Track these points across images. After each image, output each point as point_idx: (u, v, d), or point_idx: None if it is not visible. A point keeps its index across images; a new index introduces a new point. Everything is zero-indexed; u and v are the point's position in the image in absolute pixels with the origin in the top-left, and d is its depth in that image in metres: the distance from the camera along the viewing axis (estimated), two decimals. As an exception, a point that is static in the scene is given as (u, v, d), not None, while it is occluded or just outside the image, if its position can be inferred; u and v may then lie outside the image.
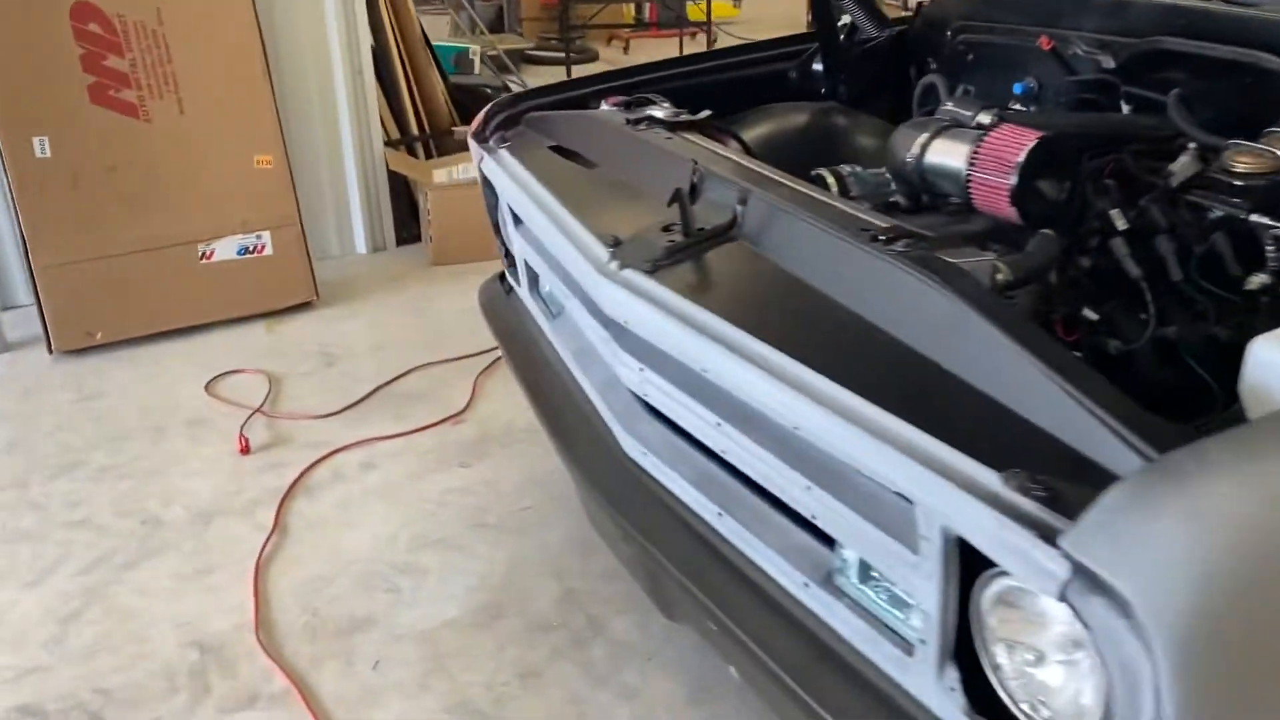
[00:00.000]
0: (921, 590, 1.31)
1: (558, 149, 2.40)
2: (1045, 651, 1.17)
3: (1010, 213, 1.72)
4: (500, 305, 2.71)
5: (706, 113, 2.32)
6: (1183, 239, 1.73)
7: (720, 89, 2.65)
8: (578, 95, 2.67)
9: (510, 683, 2.22)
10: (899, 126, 2.00)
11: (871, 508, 1.38)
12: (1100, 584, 1.01)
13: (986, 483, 1.15)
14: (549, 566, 2.58)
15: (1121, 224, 1.73)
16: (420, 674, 2.25)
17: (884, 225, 1.58)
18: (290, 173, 4.16)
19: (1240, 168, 1.71)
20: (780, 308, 1.62)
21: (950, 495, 1.18)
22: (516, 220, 2.42)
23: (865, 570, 1.48)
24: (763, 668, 1.53)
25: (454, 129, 5.18)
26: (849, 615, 1.47)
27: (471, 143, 2.66)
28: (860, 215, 1.68)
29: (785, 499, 1.55)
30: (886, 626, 1.43)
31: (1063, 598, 1.05)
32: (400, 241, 4.96)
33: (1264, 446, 1.09)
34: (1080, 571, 1.03)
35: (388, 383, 3.52)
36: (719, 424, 1.64)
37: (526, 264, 2.44)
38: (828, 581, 1.52)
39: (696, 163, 1.94)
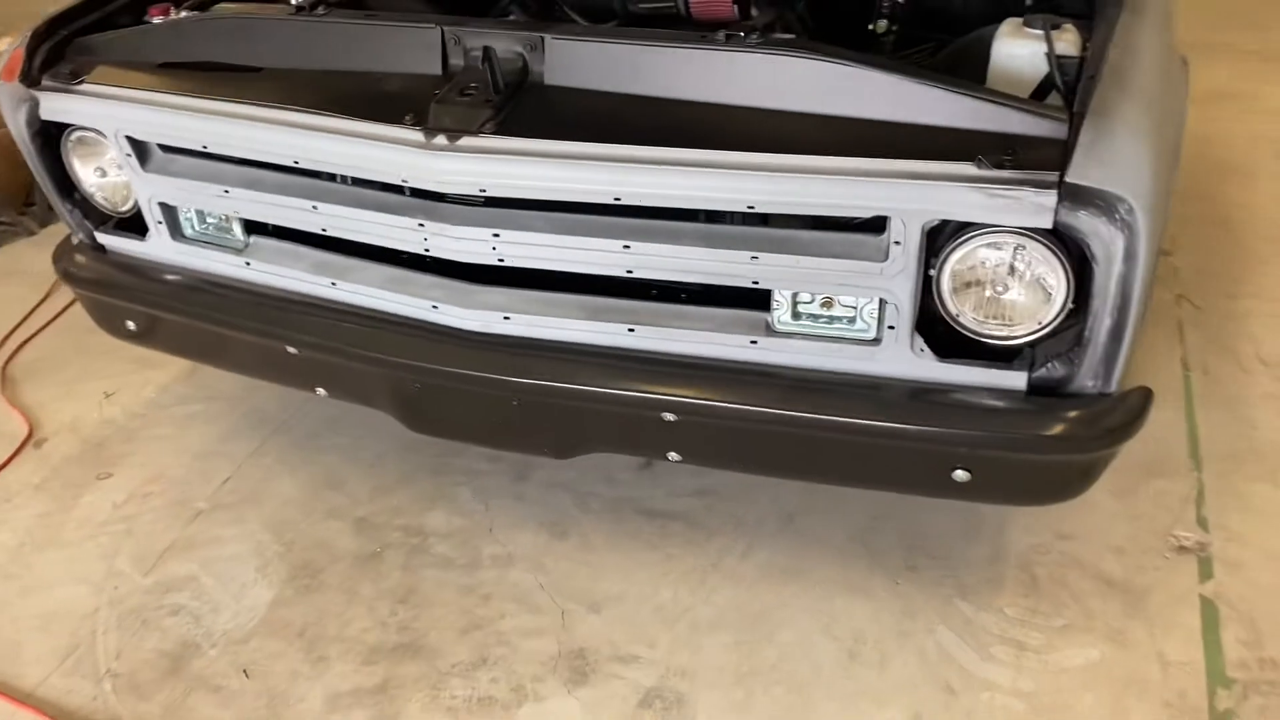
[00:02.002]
0: (892, 286, 1.69)
1: (173, 66, 2.10)
2: (1009, 284, 1.65)
3: (730, 12, 2.06)
4: (110, 267, 2.30)
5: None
6: None
7: None
8: (117, 9, 2.30)
9: (398, 610, 2.13)
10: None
11: (819, 251, 1.72)
12: (1093, 196, 1.50)
13: (965, 171, 1.57)
14: (313, 510, 2.40)
15: None
16: (302, 655, 2.04)
17: (727, 32, 1.81)
18: None
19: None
20: (652, 119, 1.79)
21: (938, 191, 1.58)
22: (143, 158, 2.10)
23: (794, 312, 1.82)
24: (747, 421, 1.81)
25: None
26: (804, 345, 1.81)
27: (7, 89, 2.16)
28: (655, 33, 1.88)
29: (720, 280, 1.78)
30: (837, 339, 1.79)
31: (1054, 223, 1.53)
32: None
33: (1124, 72, 1.65)
34: (1069, 196, 1.51)
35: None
36: (627, 246, 1.79)
37: (165, 206, 2.14)
38: (771, 331, 1.82)
39: (443, 27, 1.92)
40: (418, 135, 1.80)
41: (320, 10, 2.07)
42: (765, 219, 1.80)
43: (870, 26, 2.33)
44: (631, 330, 1.87)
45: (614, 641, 2.04)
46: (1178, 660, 1.95)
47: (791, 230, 1.75)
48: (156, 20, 2.28)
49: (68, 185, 2.28)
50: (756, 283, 1.77)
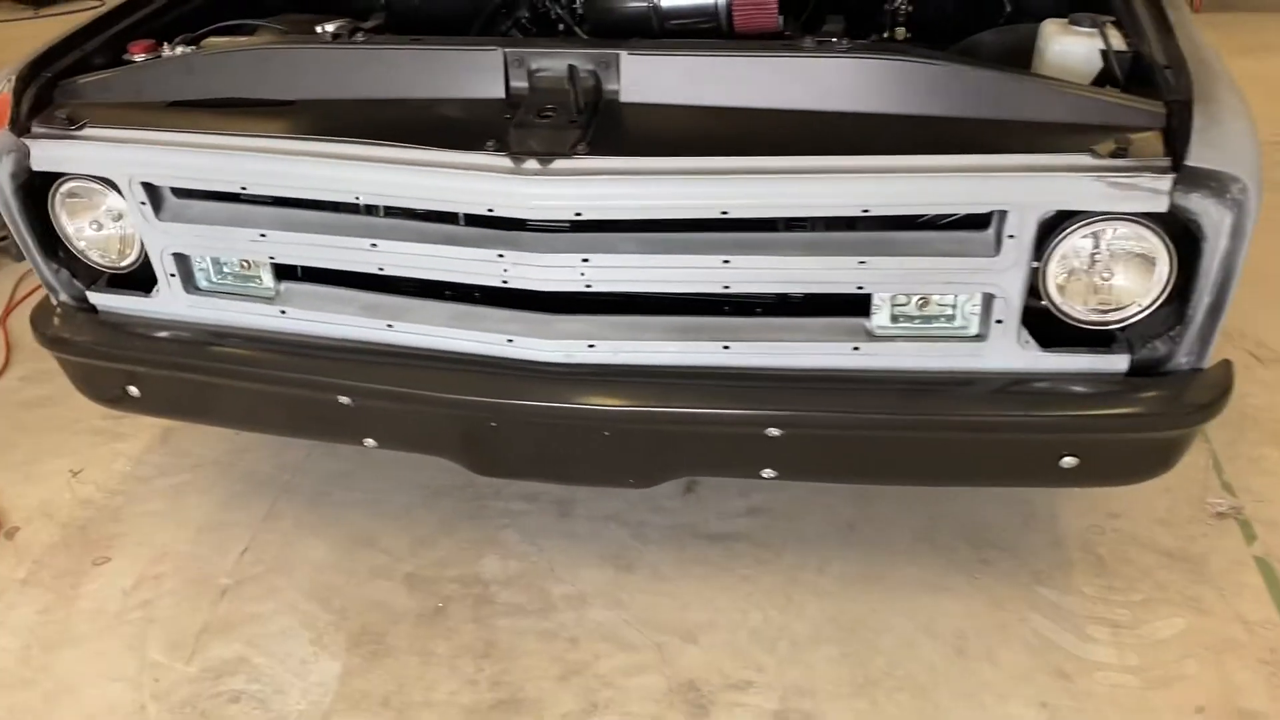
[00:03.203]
0: (1002, 281, 1.71)
1: (188, 104, 1.94)
2: (1116, 269, 1.69)
3: (775, 23, 2.06)
4: (108, 329, 2.09)
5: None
6: None
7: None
8: (93, 49, 2.11)
9: (483, 665, 2.00)
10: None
11: (927, 250, 1.72)
12: (1208, 177, 1.56)
13: (1083, 162, 1.61)
14: (354, 571, 2.24)
15: None
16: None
17: (811, 39, 1.81)
18: None
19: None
20: (746, 130, 1.75)
21: (1056, 182, 1.61)
22: (156, 206, 1.93)
23: (892, 315, 1.82)
24: (873, 428, 1.79)
25: None
26: (908, 347, 1.81)
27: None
28: (735, 44, 1.86)
29: (822, 288, 1.77)
30: (941, 338, 1.80)
31: (1170, 205, 1.59)
32: None
33: (1205, 62, 1.72)
34: (1184, 180, 1.57)
35: None
36: (727, 260, 1.75)
37: (178, 257, 1.97)
38: (872, 336, 1.81)
39: (504, 49, 1.84)
40: (505, 161, 1.71)
41: (360, 37, 1.95)
42: (852, 223, 1.80)
43: (886, 35, 2.37)
44: (727, 347, 1.82)
45: (722, 670, 1.98)
46: (1257, 620, 2.04)
47: (898, 233, 1.75)
48: (139, 58, 2.11)
49: (52, 242, 2.07)
50: (861, 287, 1.76)
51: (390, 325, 1.93)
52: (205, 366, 2.04)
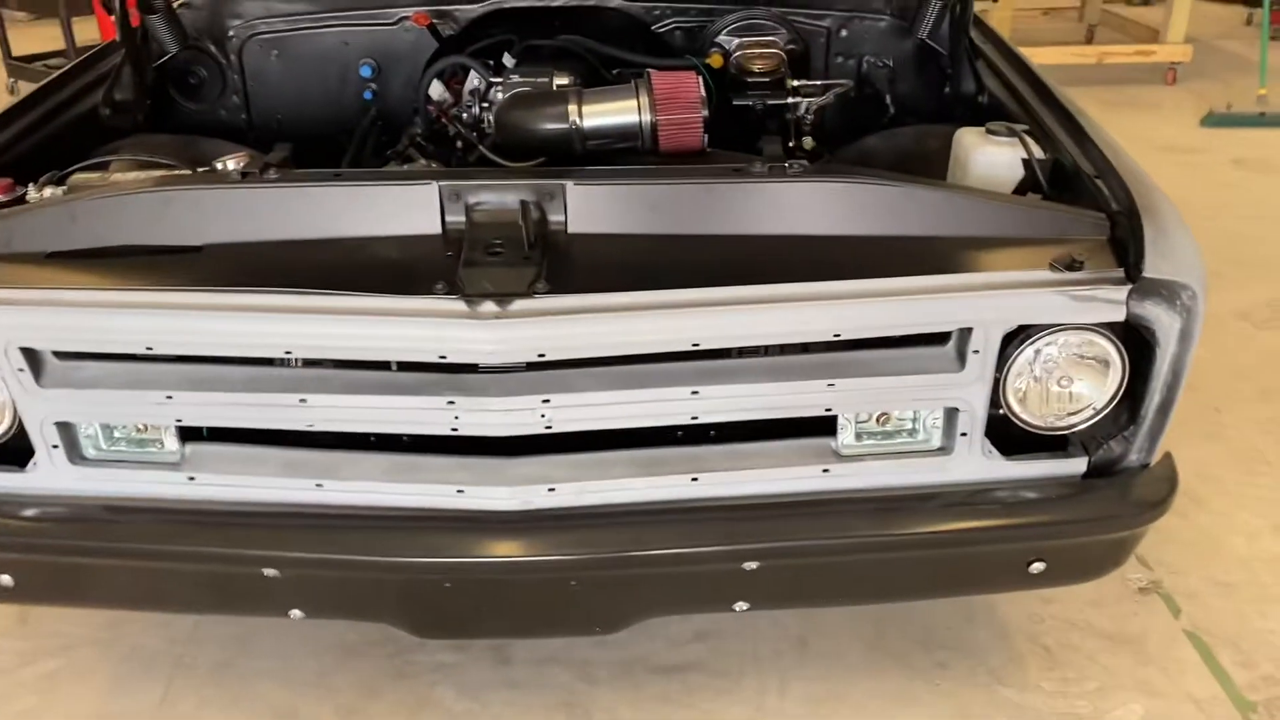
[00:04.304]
0: (966, 394, 1.71)
1: (72, 254, 1.72)
2: (1073, 375, 1.72)
3: (701, 143, 2.03)
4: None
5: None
6: None
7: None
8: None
9: None
10: (513, 100, 2.09)
11: (893, 369, 1.71)
12: (1160, 286, 1.62)
13: (1045, 278, 1.63)
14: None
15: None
16: None
17: (761, 164, 1.78)
18: None
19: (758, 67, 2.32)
20: (706, 257, 1.69)
21: (1021, 299, 1.63)
22: (37, 372, 1.69)
23: (856, 434, 1.79)
24: (845, 553, 1.74)
25: None
26: (876, 465, 1.78)
27: None
28: (685, 169, 1.81)
29: (791, 412, 1.72)
30: (908, 453, 1.79)
31: (1126, 314, 1.63)
32: None
33: (1132, 170, 1.79)
34: (1139, 290, 1.62)
35: None
36: (695, 391, 1.68)
37: (61, 426, 1.73)
38: (840, 457, 1.78)
39: (439, 182, 1.72)
40: (458, 304, 1.59)
41: (272, 174, 1.78)
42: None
43: (791, 144, 2.38)
44: (695, 479, 1.74)
45: (708, 821, 1.86)
46: (1205, 697, 2.10)
47: (862, 352, 1.72)
48: (-1, 198, 1.87)
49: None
50: (829, 409, 1.73)
51: (319, 484, 1.74)
52: (97, 548, 1.78)
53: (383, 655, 2.22)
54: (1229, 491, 2.72)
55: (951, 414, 1.75)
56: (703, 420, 1.71)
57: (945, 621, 2.29)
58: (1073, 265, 1.64)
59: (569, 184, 1.72)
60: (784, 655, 2.22)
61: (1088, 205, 1.77)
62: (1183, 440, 2.87)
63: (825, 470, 1.76)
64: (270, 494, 1.76)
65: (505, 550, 1.70)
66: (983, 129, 2.00)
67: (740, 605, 1.81)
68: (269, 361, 1.72)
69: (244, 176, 1.77)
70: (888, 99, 2.59)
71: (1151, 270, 1.62)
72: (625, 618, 1.85)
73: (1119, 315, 1.64)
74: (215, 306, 1.61)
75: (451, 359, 1.62)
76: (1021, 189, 1.95)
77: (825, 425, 1.77)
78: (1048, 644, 2.24)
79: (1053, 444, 1.81)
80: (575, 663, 2.20)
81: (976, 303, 1.64)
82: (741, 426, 1.79)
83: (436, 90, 2.38)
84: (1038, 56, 6.91)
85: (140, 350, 1.66)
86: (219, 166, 1.83)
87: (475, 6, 2.64)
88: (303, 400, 1.68)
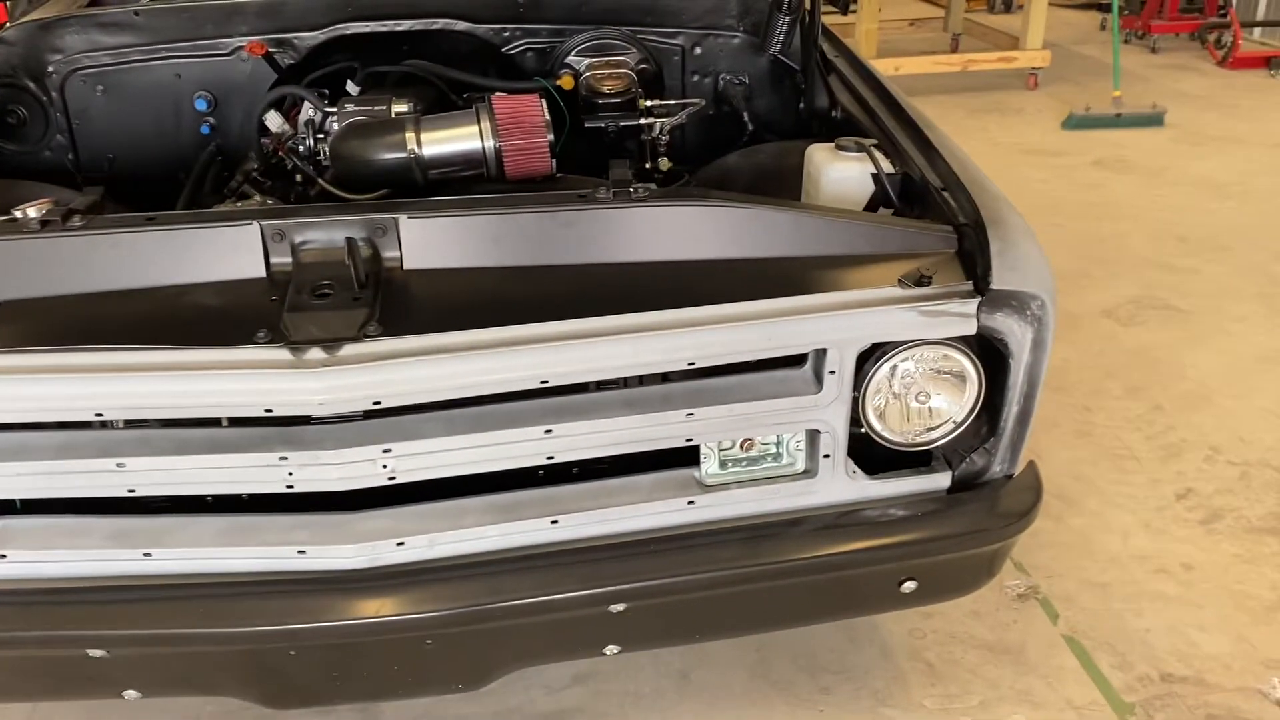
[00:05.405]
0: (826, 416, 1.67)
1: None
2: (930, 390, 1.70)
3: (549, 167, 1.95)
4: None
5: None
6: None
7: None
8: None
9: None
10: (348, 130, 1.99)
11: (751, 395, 1.65)
12: (1009, 297, 1.60)
13: (894, 295, 1.60)
14: None
15: None
16: None
17: (605, 189, 1.70)
18: None
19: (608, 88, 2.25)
20: (552, 289, 1.61)
21: (872, 317, 1.60)
22: None
23: (720, 463, 1.73)
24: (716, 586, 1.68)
25: None
26: (741, 493, 1.72)
27: None
28: (525, 198, 1.72)
29: (651, 445, 1.65)
30: (772, 479, 1.73)
31: (977, 327, 1.61)
32: None
33: (980, 182, 1.78)
34: (989, 302, 1.60)
35: None
36: (549, 430, 1.60)
37: None
38: (705, 487, 1.71)
39: (260, 222, 1.60)
40: (282, 354, 1.47)
41: (77, 221, 1.64)
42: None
43: (648, 165, 2.33)
44: (555, 521, 1.66)
45: None
46: (1084, 703, 2.10)
47: (719, 379, 1.66)
48: None
49: None
50: (690, 439, 1.66)
51: (147, 554, 1.61)
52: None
53: (242, 725, 2.07)
54: (1101, 490, 2.75)
55: (814, 436, 1.70)
56: (559, 460, 1.64)
57: (829, 643, 2.25)
58: (921, 281, 1.61)
59: (402, 217, 1.63)
60: (666, 692, 2.15)
61: (936, 219, 1.76)
62: (1054, 442, 2.94)
63: (690, 502, 1.70)
64: (93, 567, 1.62)
65: (351, 612, 1.59)
66: (833, 145, 1.98)
67: (611, 649, 1.74)
68: (89, 425, 1.59)
69: (44, 225, 1.63)
70: (745, 116, 2.55)
71: (1000, 282, 1.61)
72: (489, 672, 1.75)
73: (970, 328, 1.62)
74: (10, 370, 1.46)
75: (279, 412, 1.50)
76: (873, 204, 1.93)
77: (689, 455, 1.71)
78: (930, 659, 2.21)
79: (916, 460, 1.79)
80: (449, 719, 2.09)
81: (829, 323, 1.59)
82: (607, 462, 1.73)
83: (275, 122, 2.25)
84: (906, 66, 7.09)
85: (-71, 420, 1.51)
86: (17, 215, 1.67)
87: (316, 33, 2.52)
88: (120, 465, 1.55)
